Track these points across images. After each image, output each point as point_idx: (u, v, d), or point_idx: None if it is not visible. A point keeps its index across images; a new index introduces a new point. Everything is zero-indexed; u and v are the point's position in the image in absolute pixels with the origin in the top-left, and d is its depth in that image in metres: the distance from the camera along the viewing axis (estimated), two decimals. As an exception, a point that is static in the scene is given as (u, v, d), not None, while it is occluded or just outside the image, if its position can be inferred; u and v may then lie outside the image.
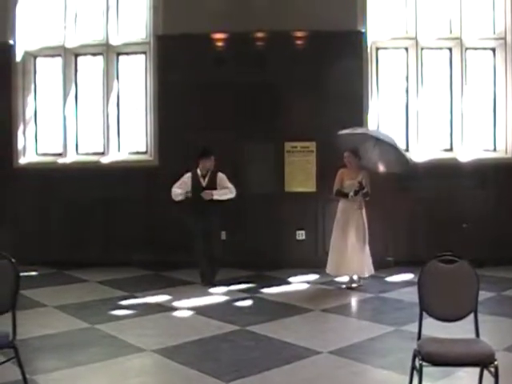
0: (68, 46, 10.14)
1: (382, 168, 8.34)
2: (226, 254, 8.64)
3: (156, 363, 5.48)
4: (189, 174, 8.42)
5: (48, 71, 10.32)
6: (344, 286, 8.28)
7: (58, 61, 10.23)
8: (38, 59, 10.32)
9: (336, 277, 8.45)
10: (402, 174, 8.43)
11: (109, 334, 6.18)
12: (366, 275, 8.26)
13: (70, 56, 10.18)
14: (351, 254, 8.10)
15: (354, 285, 8.23)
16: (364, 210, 8.21)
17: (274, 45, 9.42)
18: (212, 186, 8.33)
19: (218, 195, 8.28)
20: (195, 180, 8.38)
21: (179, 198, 8.36)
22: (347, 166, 8.27)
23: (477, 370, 4.14)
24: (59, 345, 5.85)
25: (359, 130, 8.31)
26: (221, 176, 8.40)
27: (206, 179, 8.37)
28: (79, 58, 10.28)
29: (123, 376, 5.10)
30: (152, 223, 9.66)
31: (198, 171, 8.40)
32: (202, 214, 8.23)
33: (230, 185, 8.40)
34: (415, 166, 9.32)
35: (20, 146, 10.15)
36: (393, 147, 8.04)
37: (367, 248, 8.20)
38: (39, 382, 4.83)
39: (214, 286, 8.31)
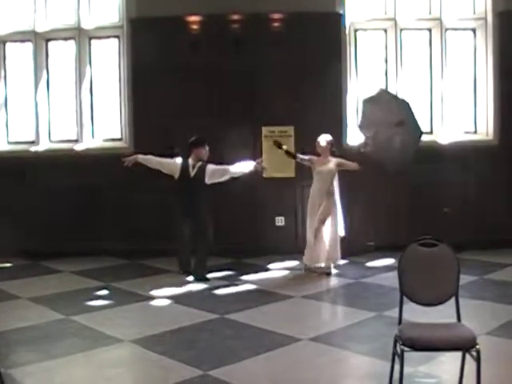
0: (38, 30, 9.87)
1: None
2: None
3: (134, 353, 5.41)
4: (180, 161, 7.99)
5: (18, 57, 10.05)
6: (323, 271, 8.19)
7: (29, 46, 9.96)
8: (8, 44, 10.03)
9: (310, 265, 8.31)
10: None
11: (85, 326, 6.08)
12: (337, 262, 8.20)
13: (40, 41, 9.91)
14: (321, 241, 8.03)
15: (333, 271, 8.16)
16: (336, 196, 8.13)
17: (251, 27, 9.26)
18: (201, 177, 7.88)
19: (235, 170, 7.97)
20: (184, 169, 7.94)
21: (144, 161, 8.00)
22: (320, 153, 8.14)
23: (459, 354, 4.10)
24: (35, 337, 5.74)
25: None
26: (211, 167, 7.94)
27: (195, 170, 7.93)
28: (50, 43, 10.00)
29: (101, 367, 5.02)
30: (128, 211, 9.47)
31: (190, 161, 7.96)
32: (188, 204, 7.83)
33: (222, 166, 7.97)
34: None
35: (-9, 134, 9.95)
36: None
37: (337, 235, 8.11)
38: (15, 375, 4.73)
39: (207, 280, 7.92)
